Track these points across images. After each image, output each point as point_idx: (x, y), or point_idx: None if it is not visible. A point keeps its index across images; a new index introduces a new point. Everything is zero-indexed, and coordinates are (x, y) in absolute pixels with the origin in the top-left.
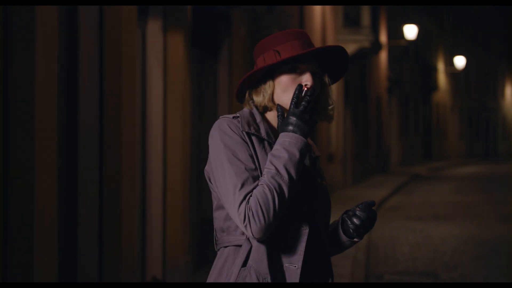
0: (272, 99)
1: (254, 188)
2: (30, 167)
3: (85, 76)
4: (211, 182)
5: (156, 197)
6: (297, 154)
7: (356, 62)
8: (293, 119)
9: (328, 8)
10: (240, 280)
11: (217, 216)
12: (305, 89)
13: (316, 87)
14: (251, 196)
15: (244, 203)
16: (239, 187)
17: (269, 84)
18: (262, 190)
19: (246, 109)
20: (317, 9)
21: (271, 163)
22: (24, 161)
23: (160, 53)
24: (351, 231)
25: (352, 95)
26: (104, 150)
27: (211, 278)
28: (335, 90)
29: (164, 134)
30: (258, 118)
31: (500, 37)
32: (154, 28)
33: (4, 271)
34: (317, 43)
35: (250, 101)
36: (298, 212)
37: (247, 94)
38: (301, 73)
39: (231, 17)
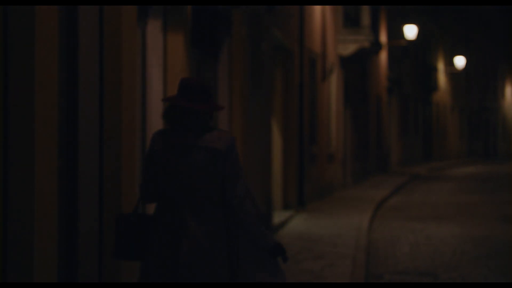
0: None
1: None
2: (30, 167)
3: (85, 76)
4: (216, 164)
5: None
6: None
7: (356, 62)
8: None
9: (328, 8)
10: None
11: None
12: None
13: None
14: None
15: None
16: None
17: None
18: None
19: None
20: (317, 9)
21: None
22: (24, 161)
23: (160, 53)
24: None
25: (352, 95)
26: (104, 149)
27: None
28: (334, 90)
29: None
30: None
31: (500, 37)
32: (154, 28)
33: (4, 271)
34: (317, 43)
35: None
36: None
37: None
38: None
39: (231, 17)
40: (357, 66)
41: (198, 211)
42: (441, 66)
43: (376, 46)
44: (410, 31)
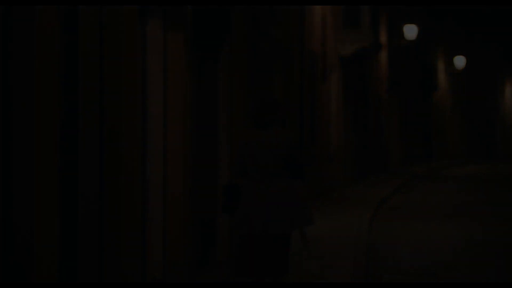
0: None
1: None
2: (30, 167)
3: (85, 76)
4: (283, 151)
5: (157, 197)
6: None
7: (356, 62)
8: None
9: (328, 8)
10: None
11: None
12: None
13: None
14: None
15: None
16: None
17: None
18: None
19: None
20: (317, 9)
21: None
22: (24, 161)
23: (160, 53)
24: None
25: (352, 95)
26: (104, 150)
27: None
28: (334, 90)
29: (164, 134)
30: None
31: (500, 37)
32: (154, 28)
33: (4, 271)
34: (317, 43)
35: None
36: None
37: None
38: None
39: (231, 17)
40: (357, 66)
41: (274, 178)
42: (441, 66)
43: (376, 46)
44: (410, 31)
